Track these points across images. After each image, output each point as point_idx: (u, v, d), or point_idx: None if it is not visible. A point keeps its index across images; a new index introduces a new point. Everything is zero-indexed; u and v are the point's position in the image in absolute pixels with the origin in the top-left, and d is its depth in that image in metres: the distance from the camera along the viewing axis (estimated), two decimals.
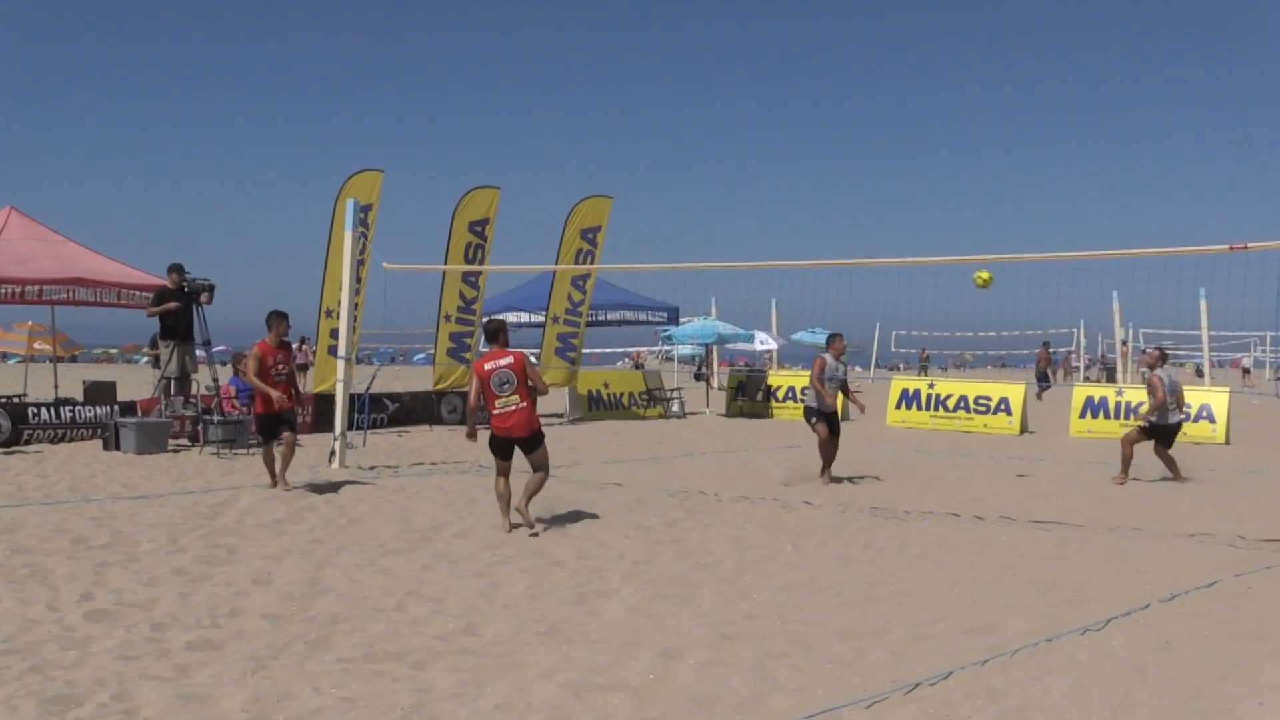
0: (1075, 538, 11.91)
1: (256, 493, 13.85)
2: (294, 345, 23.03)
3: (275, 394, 13.81)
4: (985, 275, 14.76)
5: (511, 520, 11.66)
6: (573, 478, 16.06)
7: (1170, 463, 16.59)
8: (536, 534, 11.36)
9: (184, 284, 19.54)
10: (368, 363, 53.14)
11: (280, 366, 14.03)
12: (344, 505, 13.14)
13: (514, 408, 11.34)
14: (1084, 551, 11.13)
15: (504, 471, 11.71)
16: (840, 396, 16.89)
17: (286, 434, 13.98)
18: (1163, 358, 16.85)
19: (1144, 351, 17.20)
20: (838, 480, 16.14)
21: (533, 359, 11.09)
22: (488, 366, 11.42)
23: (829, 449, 16.28)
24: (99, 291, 20.69)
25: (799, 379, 32.55)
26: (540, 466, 11.67)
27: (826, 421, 16.26)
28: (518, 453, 11.73)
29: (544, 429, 11.83)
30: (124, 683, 6.52)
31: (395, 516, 12.50)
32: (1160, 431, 16.51)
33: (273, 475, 14.18)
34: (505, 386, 11.33)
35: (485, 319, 12.00)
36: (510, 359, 11.42)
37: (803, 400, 18.37)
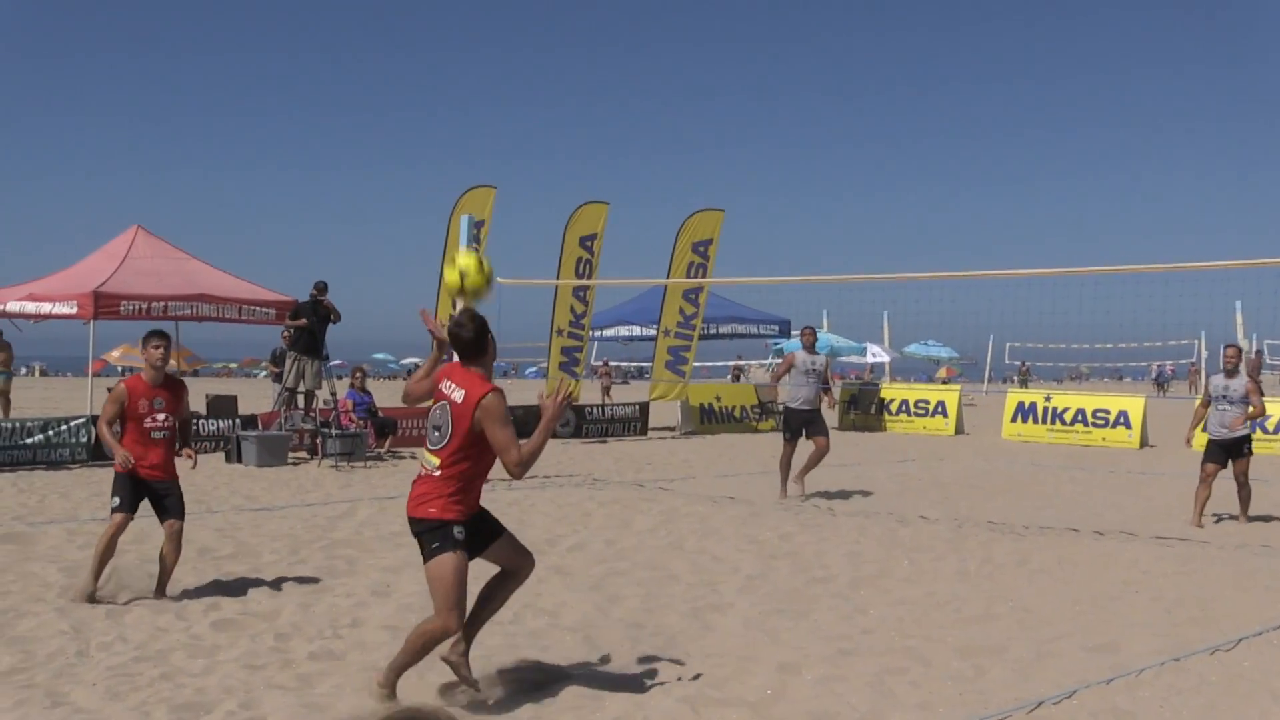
0: (1200, 554, 11.63)
1: (374, 505, 14.05)
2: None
3: (121, 453, 8.69)
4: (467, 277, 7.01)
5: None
6: (686, 491, 16.05)
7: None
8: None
9: (317, 301, 19.99)
10: None
11: (159, 416, 8.83)
12: None
13: (423, 472, 6.44)
14: (1210, 568, 10.86)
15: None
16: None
17: (172, 522, 8.94)
18: (1240, 356, 14.59)
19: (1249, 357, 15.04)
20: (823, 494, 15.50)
21: (496, 402, 6.31)
22: (442, 387, 6.47)
23: (814, 456, 15.42)
24: (221, 307, 21.21)
25: (912, 392, 32.30)
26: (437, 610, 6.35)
27: (795, 430, 15.49)
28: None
29: (434, 537, 6.32)
30: (250, 691, 6.65)
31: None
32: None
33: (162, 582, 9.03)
34: (435, 434, 6.40)
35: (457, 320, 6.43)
36: (461, 390, 6.32)
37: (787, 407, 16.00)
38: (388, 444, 20.92)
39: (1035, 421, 27.69)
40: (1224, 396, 13.96)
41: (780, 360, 15.58)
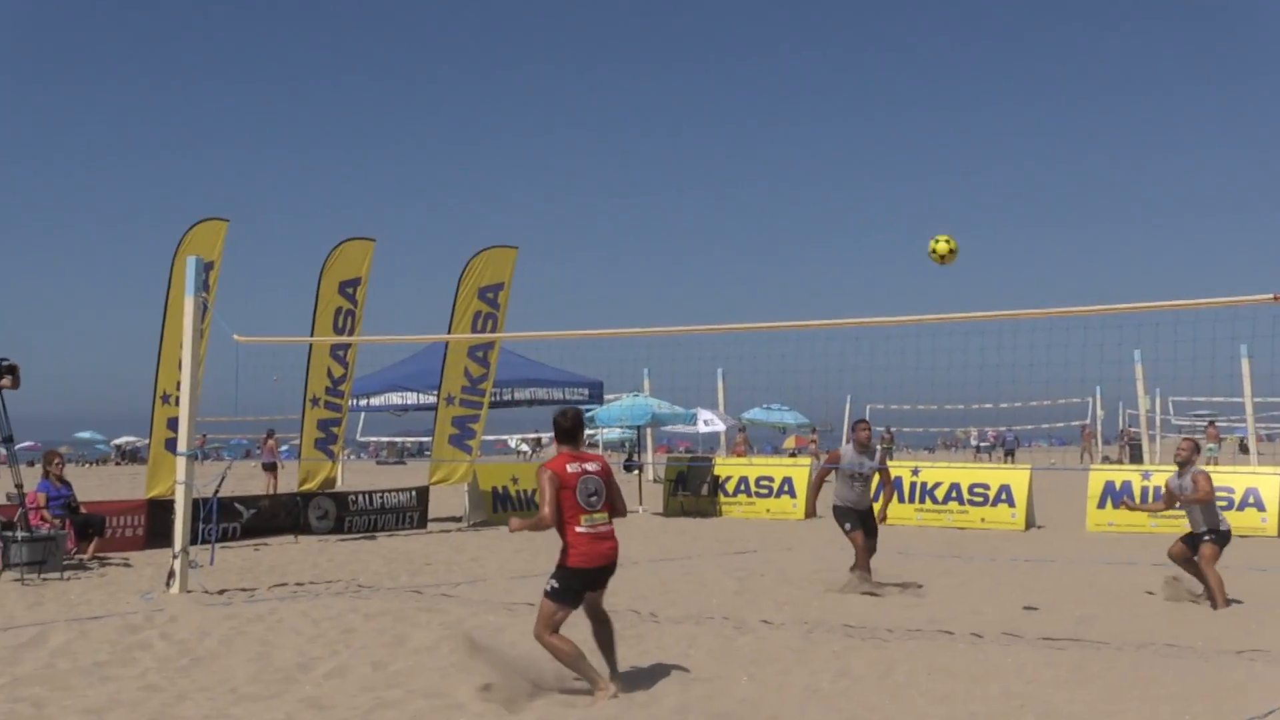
0: (1096, 658, 11.97)
1: (72, 629, 13.63)
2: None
3: None
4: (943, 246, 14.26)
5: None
6: (474, 597, 15.94)
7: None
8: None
9: None
10: (216, 458, 52.67)
11: None
12: (185, 640, 12.97)
13: (601, 529, 10.59)
14: (1108, 675, 11.18)
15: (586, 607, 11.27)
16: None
17: None
18: (1196, 449, 16.34)
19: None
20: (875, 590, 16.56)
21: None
22: (571, 469, 10.62)
23: (864, 554, 17.05)
24: None
25: (753, 469, 32.60)
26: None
27: (860, 525, 17.11)
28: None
29: None
30: None
31: (252, 653, 12.34)
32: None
33: None
34: (595, 499, 10.58)
35: (560, 411, 11.14)
36: (597, 464, 10.91)
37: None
38: (92, 548, 20.31)
39: (901, 500, 28.26)
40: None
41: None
